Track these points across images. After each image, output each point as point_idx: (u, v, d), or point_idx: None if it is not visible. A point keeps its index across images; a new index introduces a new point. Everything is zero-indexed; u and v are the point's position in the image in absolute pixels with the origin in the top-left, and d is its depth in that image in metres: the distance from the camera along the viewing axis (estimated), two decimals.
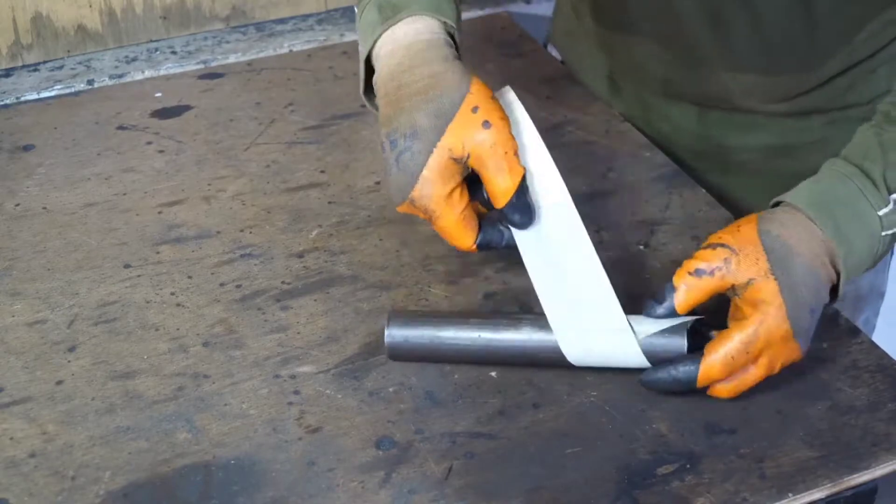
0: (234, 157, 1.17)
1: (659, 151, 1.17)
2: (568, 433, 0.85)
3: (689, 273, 0.85)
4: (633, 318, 0.87)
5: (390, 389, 0.89)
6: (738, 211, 1.10)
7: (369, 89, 0.93)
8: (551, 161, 0.89)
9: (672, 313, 0.86)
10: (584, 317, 0.87)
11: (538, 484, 0.81)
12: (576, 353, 0.87)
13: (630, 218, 1.07)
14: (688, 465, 0.82)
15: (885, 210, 0.87)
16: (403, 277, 1.00)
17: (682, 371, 0.85)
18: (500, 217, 0.88)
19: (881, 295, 1.27)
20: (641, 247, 1.03)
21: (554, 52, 1.37)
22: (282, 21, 1.45)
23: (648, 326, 0.86)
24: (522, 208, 0.87)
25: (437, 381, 0.89)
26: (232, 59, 1.37)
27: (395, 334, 0.89)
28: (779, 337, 0.83)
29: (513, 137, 0.85)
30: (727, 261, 0.84)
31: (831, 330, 0.94)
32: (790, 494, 0.80)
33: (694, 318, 0.86)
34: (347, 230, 1.06)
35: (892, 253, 1.26)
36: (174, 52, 1.38)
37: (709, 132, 1.16)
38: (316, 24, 1.45)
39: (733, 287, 0.85)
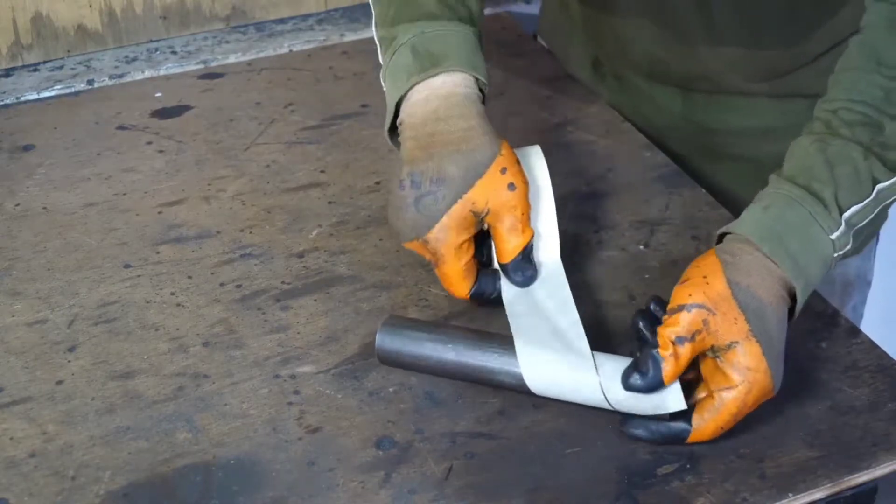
0: (234, 157, 1.17)
1: (659, 151, 1.17)
2: (568, 433, 0.85)
3: (672, 342, 0.81)
4: (608, 376, 0.84)
5: (390, 389, 0.89)
6: (726, 200, 1.10)
7: (392, 128, 0.96)
8: (556, 225, 0.94)
9: (657, 386, 0.82)
10: (556, 366, 0.85)
11: (538, 484, 0.81)
12: (539, 385, 0.85)
13: (630, 218, 1.07)
14: (688, 465, 0.82)
15: (837, 233, 0.85)
16: (403, 277, 1.00)
17: (671, 431, 0.83)
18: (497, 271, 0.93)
19: (868, 283, 1.27)
20: (641, 247, 1.03)
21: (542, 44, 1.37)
22: (282, 21, 1.45)
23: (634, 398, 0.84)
24: (524, 268, 0.92)
25: (437, 381, 0.89)
26: (232, 59, 1.37)
27: (384, 340, 0.89)
28: (763, 395, 0.83)
29: (528, 201, 0.91)
30: (706, 322, 0.81)
31: (831, 330, 0.94)
32: (790, 494, 0.80)
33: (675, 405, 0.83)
34: (347, 230, 1.06)
35: (876, 240, 1.26)
36: (174, 52, 1.38)
37: (693, 115, 1.16)
38: (316, 24, 1.45)
39: (712, 347, 0.82)
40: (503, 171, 0.89)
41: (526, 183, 0.91)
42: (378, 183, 1.13)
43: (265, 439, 0.84)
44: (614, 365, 0.84)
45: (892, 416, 0.86)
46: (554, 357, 0.85)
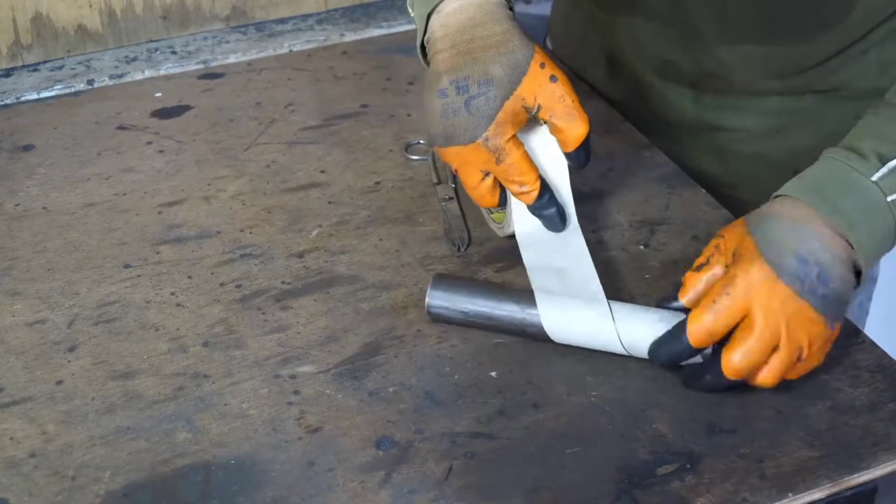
0: (234, 157, 1.17)
1: (659, 151, 1.17)
2: (568, 433, 0.85)
3: (692, 270, 0.89)
4: (623, 321, 0.89)
5: (390, 389, 0.89)
6: (733, 199, 1.12)
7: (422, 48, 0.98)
8: (568, 182, 0.98)
9: (681, 308, 0.89)
10: (570, 299, 0.91)
11: (538, 484, 0.81)
12: (557, 329, 0.90)
13: (630, 218, 1.07)
14: (688, 465, 0.82)
15: (878, 174, 0.86)
16: (403, 277, 1.00)
17: (676, 335, 0.86)
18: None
19: (873, 279, 1.27)
20: (641, 247, 1.03)
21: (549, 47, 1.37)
22: (282, 21, 1.45)
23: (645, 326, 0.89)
24: (588, 152, 0.95)
25: (437, 381, 0.89)
26: (232, 59, 1.37)
27: (436, 292, 0.93)
28: (760, 280, 0.84)
29: (573, 89, 0.93)
30: (717, 246, 0.88)
31: None
32: (790, 494, 0.80)
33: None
34: (347, 230, 1.06)
35: None
36: (174, 52, 1.38)
37: (704, 115, 1.17)
38: (316, 24, 1.45)
39: (727, 267, 0.87)
40: (542, 65, 0.92)
41: (564, 73, 0.93)
42: (378, 183, 1.13)
43: (265, 439, 0.84)
44: (629, 311, 0.90)
45: (892, 416, 0.86)
46: (571, 305, 0.90)
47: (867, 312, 1.29)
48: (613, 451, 0.83)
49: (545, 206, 0.95)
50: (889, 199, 0.86)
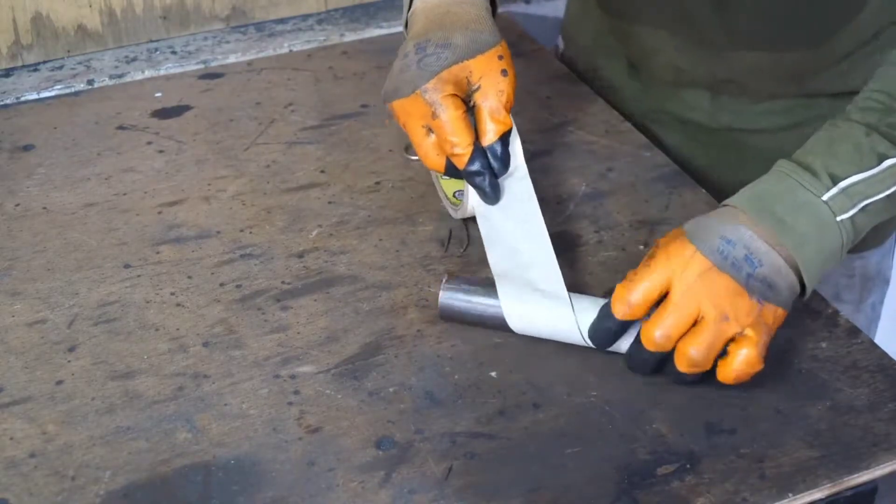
0: (234, 157, 1.17)
1: (659, 151, 1.17)
2: (568, 433, 0.85)
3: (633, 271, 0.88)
4: (583, 312, 0.90)
5: (390, 389, 0.89)
6: None
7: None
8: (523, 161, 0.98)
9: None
10: (530, 287, 0.91)
11: (538, 484, 0.81)
12: (518, 321, 0.91)
13: (630, 218, 1.07)
14: (688, 465, 0.82)
15: (828, 194, 0.87)
16: (403, 277, 1.00)
17: (605, 311, 0.88)
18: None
19: (886, 281, 1.27)
20: (641, 247, 1.03)
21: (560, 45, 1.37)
22: (282, 21, 1.45)
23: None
24: (503, 155, 0.95)
25: (437, 381, 0.89)
26: (232, 59, 1.37)
27: (446, 295, 0.93)
28: (679, 255, 0.85)
29: (513, 94, 0.96)
30: (655, 244, 0.89)
31: (831, 330, 0.94)
32: (790, 494, 0.80)
33: None
34: (347, 230, 1.06)
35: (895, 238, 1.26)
36: (174, 52, 1.38)
37: (721, 115, 1.18)
38: (316, 24, 1.45)
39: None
40: (500, 57, 0.95)
41: (515, 77, 0.95)
42: (378, 183, 1.13)
43: (265, 439, 0.85)
44: (588, 303, 0.90)
45: (892, 416, 0.86)
46: (533, 297, 0.91)
47: (879, 315, 1.29)
48: (613, 451, 0.83)
49: (476, 173, 0.94)
50: (838, 218, 0.87)
